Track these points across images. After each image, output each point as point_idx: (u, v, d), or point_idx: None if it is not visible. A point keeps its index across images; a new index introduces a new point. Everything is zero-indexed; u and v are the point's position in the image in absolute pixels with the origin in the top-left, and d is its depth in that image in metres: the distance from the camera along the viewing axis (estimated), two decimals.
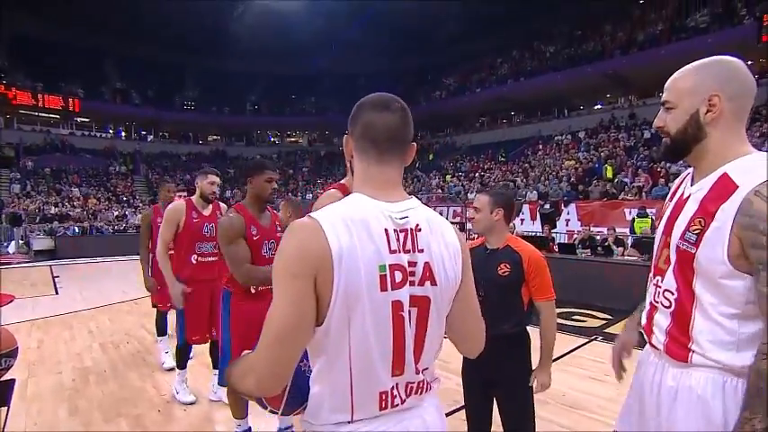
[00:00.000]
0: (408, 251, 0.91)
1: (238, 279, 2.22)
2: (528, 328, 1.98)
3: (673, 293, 1.08)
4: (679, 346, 1.06)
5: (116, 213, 18.16)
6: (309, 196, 21.34)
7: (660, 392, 1.11)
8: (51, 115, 24.74)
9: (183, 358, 3.22)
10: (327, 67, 28.47)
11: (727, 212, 0.96)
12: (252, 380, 0.88)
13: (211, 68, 28.93)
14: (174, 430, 2.85)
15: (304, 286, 0.84)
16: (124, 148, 25.86)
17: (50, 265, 11.69)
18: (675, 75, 1.10)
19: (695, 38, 15.87)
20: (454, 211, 13.66)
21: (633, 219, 9.60)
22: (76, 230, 15.81)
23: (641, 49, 17.71)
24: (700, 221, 1.01)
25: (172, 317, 4.18)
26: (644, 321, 1.21)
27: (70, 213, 17.06)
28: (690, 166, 1.16)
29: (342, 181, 1.80)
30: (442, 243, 0.96)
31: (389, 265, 0.88)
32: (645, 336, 1.20)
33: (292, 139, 33.57)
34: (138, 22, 24.23)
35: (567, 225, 11.56)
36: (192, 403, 3.16)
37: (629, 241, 8.25)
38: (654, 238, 1.24)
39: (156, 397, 3.33)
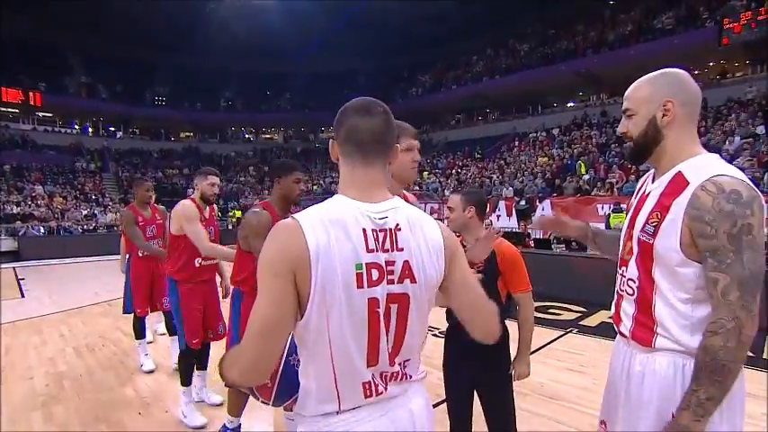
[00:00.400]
0: (387, 250, 0.94)
1: None
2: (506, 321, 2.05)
3: (635, 281, 1.19)
4: (644, 330, 1.16)
5: (85, 212, 17.47)
6: None
7: (630, 377, 1.20)
8: (10, 110, 23.56)
9: (187, 369, 2.96)
10: (303, 63, 28.13)
11: (679, 206, 1.08)
12: (235, 371, 0.93)
13: (184, 64, 28.09)
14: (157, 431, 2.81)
15: (285, 285, 0.88)
16: (91, 145, 24.79)
17: (14, 267, 11.20)
18: (633, 86, 1.23)
19: (662, 39, 16.49)
20: (432, 207, 13.75)
21: (608, 214, 9.83)
22: (42, 230, 15.17)
23: (611, 48, 18.26)
24: (657, 214, 1.13)
25: (149, 322, 4.12)
26: (612, 311, 1.31)
27: (34, 213, 16.31)
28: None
29: None
30: (423, 241, 0.99)
31: (366, 264, 0.92)
32: (614, 325, 1.29)
33: (267, 136, 33.05)
34: (106, 18, 23.33)
35: None
36: (202, 427, 2.85)
37: None
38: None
39: (136, 399, 3.27)
